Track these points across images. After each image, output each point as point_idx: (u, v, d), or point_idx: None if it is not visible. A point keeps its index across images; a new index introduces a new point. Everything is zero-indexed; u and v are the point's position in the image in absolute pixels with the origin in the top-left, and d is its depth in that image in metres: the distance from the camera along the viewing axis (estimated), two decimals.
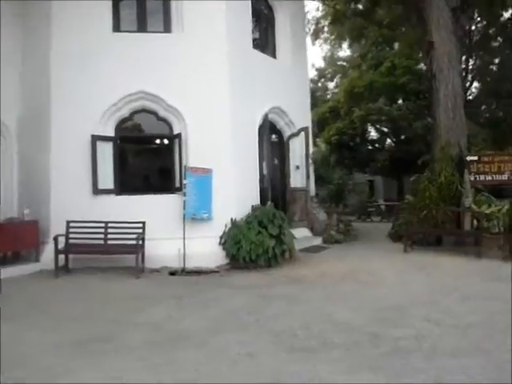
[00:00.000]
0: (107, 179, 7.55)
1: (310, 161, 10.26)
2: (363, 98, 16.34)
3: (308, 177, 9.77)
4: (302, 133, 9.79)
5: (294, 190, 9.80)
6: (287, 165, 9.84)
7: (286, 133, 9.82)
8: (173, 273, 7.03)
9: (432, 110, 9.63)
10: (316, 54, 53.57)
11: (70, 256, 6.99)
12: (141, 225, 7.02)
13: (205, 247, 7.29)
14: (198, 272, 7.06)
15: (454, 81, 9.08)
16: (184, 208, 7.35)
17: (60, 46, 7.54)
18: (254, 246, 6.97)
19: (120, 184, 7.66)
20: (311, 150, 10.39)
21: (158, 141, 8.22)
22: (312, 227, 9.75)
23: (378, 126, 17.03)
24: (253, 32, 9.15)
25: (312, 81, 20.40)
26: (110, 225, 7.03)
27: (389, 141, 17.35)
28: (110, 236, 6.99)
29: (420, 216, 8.53)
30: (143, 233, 7.03)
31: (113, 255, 6.95)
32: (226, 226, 7.49)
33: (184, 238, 7.22)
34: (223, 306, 4.96)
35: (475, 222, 8.18)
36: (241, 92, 8.11)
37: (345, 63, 19.93)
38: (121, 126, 7.78)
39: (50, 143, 7.38)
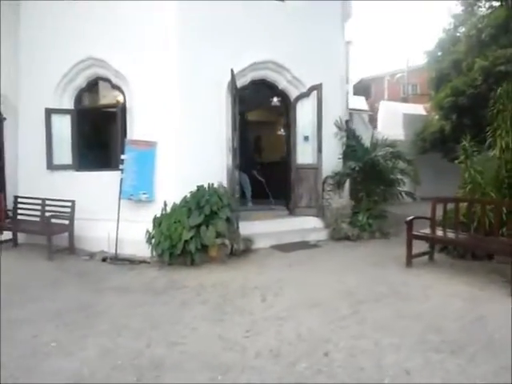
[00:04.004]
0: (64, 154, 7.23)
1: (338, 129, 7.80)
2: (494, 44, 11.65)
3: (320, 150, 7.42)
4: (314, 92, 7.44)
5: (301, 168, 7.61)
6: (293, 135, 7.68)
7: (293, 94, 7.62)
8: (104, 259, 6.33)
9: None
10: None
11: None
12: (69, 203, 6.49)
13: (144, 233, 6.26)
14: (131, 261, 6.16)
15: None
16: (120, 187, 6.48)
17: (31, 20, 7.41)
18: (163, 238, 5.58)
19: (78, 159, 7.25)
20: (341, 111, 7.87)
21: (112, 112, 7.38)
22: (323, 216, 7.44)
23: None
24: None
25: (447, 31, 15.83)
26: (47, 202, 6.75)
27: None
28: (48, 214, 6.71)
29: (454, 211, 5.35)
30: (72, 212, 6.50)
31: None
32: (162, 210, 6.26)
33: (118, 221, 6.39)
34: None
35: None
36: (200, 46, 6.53)
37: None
38: (79, 97, 7.30)
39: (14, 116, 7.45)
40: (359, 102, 14.99)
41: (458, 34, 15.05)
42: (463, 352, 3.05)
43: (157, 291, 4.61)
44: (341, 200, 7.40)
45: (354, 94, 22.31)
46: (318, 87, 7.36)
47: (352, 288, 4.51)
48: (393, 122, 15.29)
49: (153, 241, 5.75)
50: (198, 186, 6.18)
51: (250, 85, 7.43)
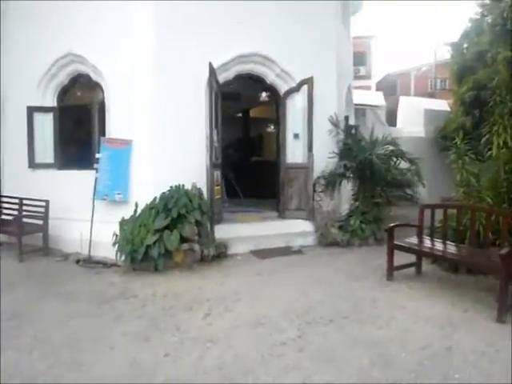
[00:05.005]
0: (46, 152, 7.08)
1: (333, 125, 7.21)
2: None
3: (310, 149, 6.89)
4: (305, 87, 6.91)
5: (291, 168, 7.10)
6: (282, 133, 7.17)
7: (282, 88, 7.11)
8: (78, 261, 6.11)
9: None
10: None
11: None
12: (44, 203, 6.32)
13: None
14: (104, 263, 5.91)
15: None
16: (95, 186, 6.24)
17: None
18: (125, 242, 5.27)
19: (60, 158, 7.07)
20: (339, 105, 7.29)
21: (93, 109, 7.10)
22: (314, 219, 6.90)
23: None
24: None
25: (474, 21, 14.66)
26: (24, 202, 6.60)
27: None
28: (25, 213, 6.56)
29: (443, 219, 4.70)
30: (46, 212, 6.33)
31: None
32: (134, 212, 5.95)
33: (92, 222, 6.16)
34: None
35: None
36: (178, 39, 6.16)
37: None
38: (62, 94, 7.11)
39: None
40: (376, 98, 14.18)
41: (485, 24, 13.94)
42: None
43: (103, 300, 4.29)
44: (332, 202, 6.84)
45: (377, 89, 21.43)
46: (308, 81, 6.82)
47: (313, 304, 4.00)
48: (413, 119, 14.42)
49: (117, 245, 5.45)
50: (170, 187, 5.84)
51: (236, 79, 7.01)
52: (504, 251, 3.52)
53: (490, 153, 4.56)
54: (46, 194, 6.51)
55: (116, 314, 3.86)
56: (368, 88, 20.31)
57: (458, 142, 4.79)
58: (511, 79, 10.07)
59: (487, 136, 4.65)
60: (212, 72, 6.19)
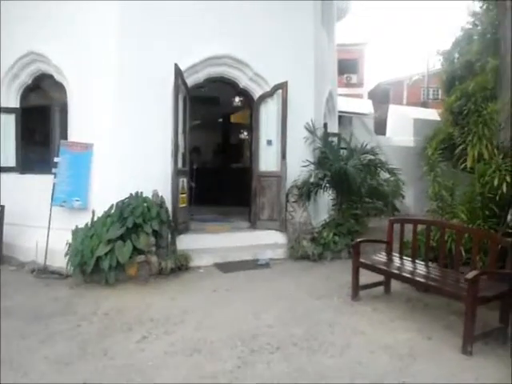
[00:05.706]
0: (9, 156, 6.74)
1: (309, 133, 6.92)
2: None
3: (283, 157, 6.57)
4: (279, 92, 6.61)
5: (263, 176, 6.77)
6: (255, 139, 6.85)
7: (256, 93, 6.79)
8: (33, 270, 5.74)
9: None
10: None
11: None
12: None
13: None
14: (60, 274, 5.54)
15: None
16: (53, 192, 5.89)
17: None
18: (75, 253, 4.91)
19: (22, 161, 6.73)
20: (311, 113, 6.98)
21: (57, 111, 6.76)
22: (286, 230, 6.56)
23: None
24: None
25: (466, 30, 14.52)
26: None
27: None
28: None
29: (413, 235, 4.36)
30: (1, 218, 5.98)
31: None
32: (92, 220, 5.59)
33: (48, 230, 5.80)
34: None
35: None
36: (143, 40, 5.90)
37: None
38: (25, 94, 6.78)
39: None
40: (364, 106, 13.91)
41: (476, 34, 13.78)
42: None
43: (40, 317, 3.93)
44: (305, 213, 6.50)
45: (370, 98, 21.23)
46: (283, 86, 6.52)
47: (263, 327, 3.65)
48: (403, 128, 14.17)
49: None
50: (130, 194, 5.51)
51: (214, 83, 6.73)
52: (471, 275, 3.18)
53: (464, 165, 4.24)
54: (7, 199, 6.22)
55: (46, 334, 3.50)
56: (360, 96, 20.10)
57: (430, 153, 4.47)
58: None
59: (461, 146, 4.34)
60: (178, 74, 5.88)
